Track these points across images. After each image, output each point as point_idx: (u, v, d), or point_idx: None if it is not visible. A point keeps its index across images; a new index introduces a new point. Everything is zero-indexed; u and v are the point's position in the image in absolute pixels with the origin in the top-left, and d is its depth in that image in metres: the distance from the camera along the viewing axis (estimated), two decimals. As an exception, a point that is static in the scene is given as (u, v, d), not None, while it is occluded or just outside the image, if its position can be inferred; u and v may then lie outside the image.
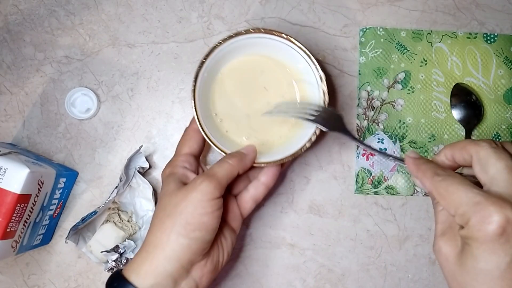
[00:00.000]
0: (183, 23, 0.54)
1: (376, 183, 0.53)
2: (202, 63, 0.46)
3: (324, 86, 0.47)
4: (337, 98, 0.54)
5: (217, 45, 0.47)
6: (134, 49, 0.54)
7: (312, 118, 0.45)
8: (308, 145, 0.45)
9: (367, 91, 0.54)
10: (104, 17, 0.54)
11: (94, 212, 0.49)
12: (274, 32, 0.48)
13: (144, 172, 0.52)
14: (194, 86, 0.46)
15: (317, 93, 0.48)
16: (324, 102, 0.47)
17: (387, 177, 0.53)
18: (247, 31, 0.47)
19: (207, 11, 0.54)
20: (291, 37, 0.47)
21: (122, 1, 0.54)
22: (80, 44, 0.54)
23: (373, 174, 0.53)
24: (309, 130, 0.46)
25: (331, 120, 0.46)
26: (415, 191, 0.53)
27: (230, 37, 0.47)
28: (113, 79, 0.53)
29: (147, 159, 0.51)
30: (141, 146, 0.51)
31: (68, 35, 0.54)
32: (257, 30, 0.48)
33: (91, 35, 0.54)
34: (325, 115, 0.46)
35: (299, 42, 0.47)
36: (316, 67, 0.47)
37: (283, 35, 0.48)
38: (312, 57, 0.47)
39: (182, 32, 0.54)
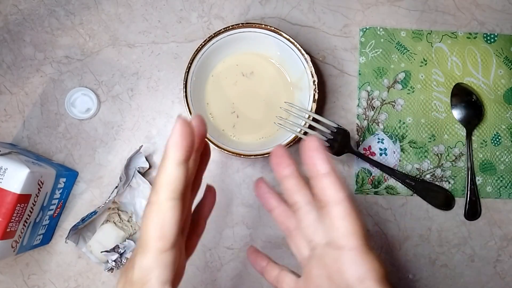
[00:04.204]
0: (183, 23, 0.54)
1: (376, 183, 0.53)
2: (188, 68, 0.47)
3: (311, 67, 0.49)
4: (337, 98, 0.54)
5: (199, 48, 0.48)
6: (134, 49, 0.54)
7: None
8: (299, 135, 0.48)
9: (367, 91, 0.54)
10: (104, 17, 0.54)
11: (94, 212, 0.49)
12: (254, 25, 0.49)
13: (144, 172, 0.52)
14: (185, 93, 0.47)
15: (306, 78, 0.49)
16: (314, 83, 0.48)
17: (387, 177, 0.53)
18: (226, 29, 0.48)
19: (207, 11, 0.54)
20: (270, 26, 0.48)
21: (122, 1, 0.54)
22: (80, 44, 0.54)
23: (373, 174, 0.53)
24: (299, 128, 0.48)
25: (338, 139, 0.49)
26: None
27: (211, 37, 0.48)
28: (113, 79, 0.53)
29: (147, 159, 0.51)
30: (141, 146, 0.51)
31: (68, 35, 0.54)
32: (236, 26, 0.48)
33: (91, 35, 0.54)
34: (332, 135, 0.49)
35: (277, 28, 0.49)
36: (298, 50, 0.49)
37: (263, 25, 0.48)
38: (292, 39, 0.49)
39: (182, 32, 0.54)
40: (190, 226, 0.36)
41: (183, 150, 0.28)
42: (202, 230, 0.37)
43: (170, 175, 0.28)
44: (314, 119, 0.48)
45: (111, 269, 0.48)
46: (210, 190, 0.37)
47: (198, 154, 0.33)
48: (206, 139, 0.33)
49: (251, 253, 0.38)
